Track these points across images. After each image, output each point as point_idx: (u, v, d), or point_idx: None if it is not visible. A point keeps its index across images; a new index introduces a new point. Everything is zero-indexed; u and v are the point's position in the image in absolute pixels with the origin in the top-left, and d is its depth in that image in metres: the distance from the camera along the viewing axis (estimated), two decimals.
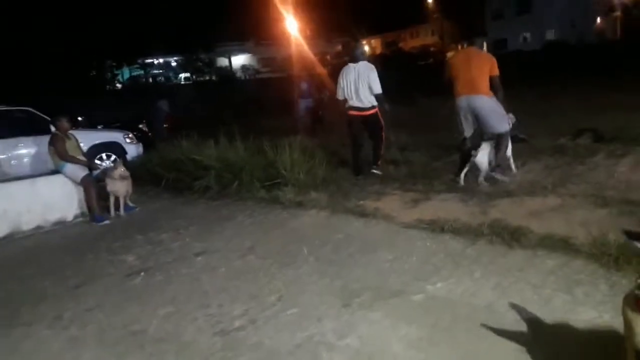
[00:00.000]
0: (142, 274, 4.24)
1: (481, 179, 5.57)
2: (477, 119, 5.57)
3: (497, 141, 5.55)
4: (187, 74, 46.58)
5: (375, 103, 6.43)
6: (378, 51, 57.48)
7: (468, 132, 5.70)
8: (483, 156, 5.53)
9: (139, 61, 45.70)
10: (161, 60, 49.79)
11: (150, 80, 46.65)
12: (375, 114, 6.49)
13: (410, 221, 4.61)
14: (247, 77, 44.89)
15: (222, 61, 50.29)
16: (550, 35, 39.04)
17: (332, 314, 3.11)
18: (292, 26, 21.55)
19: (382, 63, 35.57)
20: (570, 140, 7.32)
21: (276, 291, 3.55)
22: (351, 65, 6.50)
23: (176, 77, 47.55)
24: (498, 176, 5.62)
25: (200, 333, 3.10)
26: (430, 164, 6.80)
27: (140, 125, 13.34)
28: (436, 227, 4.33)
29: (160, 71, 49.64)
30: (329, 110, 12.05)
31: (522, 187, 5.30)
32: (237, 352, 2.84)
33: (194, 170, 7.07)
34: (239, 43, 50.66)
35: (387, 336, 2.79)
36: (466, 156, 5.62)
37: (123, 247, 5.05)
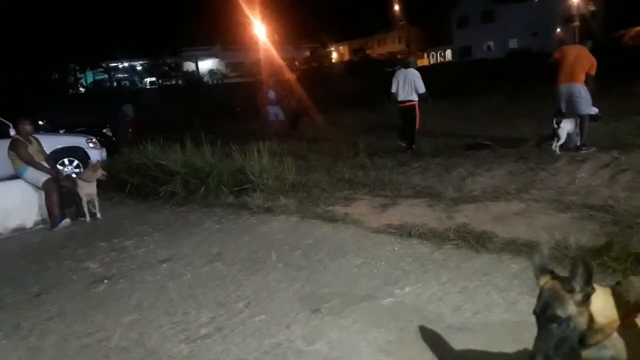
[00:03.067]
0: (106, 281, 4.12)
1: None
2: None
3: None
4: (153, 78, 45.87)
5: (413, 98, 8.38)
6: (346, 57, 58.03)
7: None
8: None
9: (103, 65, 44.75)
10: (126, 64, 48.83)
11: (115, 84, 45.75)
12: (413, 106, 8.40)
13: (379, 226, 4.64)
14: (215, 81, 44.53)
15: (189, 65, 49.74)
16: (513, 44, 40.24)
17: (301, 320, 3.09)
18: (260, 31, 21.51)
19: (351, 70, 35.95)
20: (533, 147, 7.51)
21: (244, 298, 3.50)
22: (403, 70, 8.63)
23: (142, 82, 46.75)
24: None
25: (165, 341, 3.03)
26: (399, 169, 6.86)
27: (104, 130, 13.05)
28: (404, 231, 4.37)
29: (125, 75, 48.71)
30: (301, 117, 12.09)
31: (487, 192, 5.41)
32: None
33: (160, 176, 6.94)
34: (206, 47, 50.23)
35: (356, 341, 2.79)
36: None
37: (86, 254, 4.90)
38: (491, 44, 43.81)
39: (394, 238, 4.31)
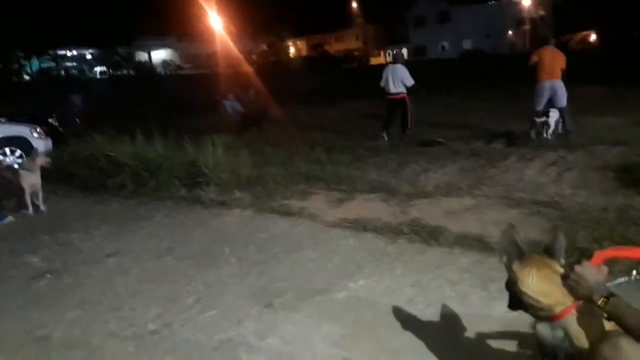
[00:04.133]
0: (48, 276, 3.91)
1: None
2: None
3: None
4: (104, 68, 44.28)
5: (402, 90, 8.98)
6: (304, 53, 57.91)
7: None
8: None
9: (50, 52, 42.81)
10: (75, 53, 46.92)
11: (63, 72, 43.86)
12: (403, 98, 9.04)
13: (335, 220, 4.63)
14: (169, 72, 43.45)
15: (142, 56, 48.28)
16: (467, 44, 41.30)
17: (253, 315, 3.03)
18: (216, 23, 21.11)
19: (309, 65, 35.90)
20: (485, 144, 7.71)
21: (194, 293, 3.40)
22: (391, 65, 9.27)
23: (91, 71, 45.05)
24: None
25: (111, 337, 2.90)
26: (355, 164, 6.88)
27: (50, 120, 12.43)
28: (359, 226, 4.38)
29: (74, 64, 46.80)
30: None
31: (439, 188, 5.50)
32: (151, 356, 2.69)
33: (108, 168, 6.67)
34: (160, 38, 48.90)
35: (309, 335, 2.76)
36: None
37: (27, 248, 4.62)
38: (446, 44, 44.82)
39: (349, 232, 4.31)
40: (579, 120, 8.99)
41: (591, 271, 1.53)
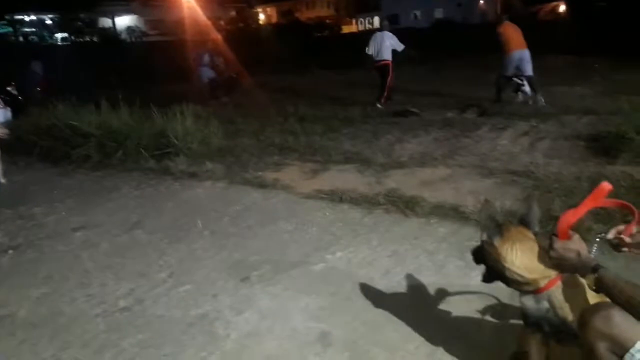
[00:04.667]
0: (10, 251, 3.74)
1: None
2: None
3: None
4: (65, 34, 42.38)
5: (387, 57, 9.17)
6: (274, 20, 56.67)
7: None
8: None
9: (7, 17, 40.67)
10: (34, 18, 44.68)
11: (21, 39, 41.82)
12: (387, 65, 9.18)
13: (310, 192, 4.56)
14: (134, 39, 41.93)
15: (105, 22, 46.36)
16: (438, 13, 41.10)
17: (229, 289, 2.96)
18: None
19: (279, 33, 35.12)
20: (458, 114, 7.71)
21: (167, 267, 3.30)
22: (378, 33, 9.42)
23: (52, 37, 43.05)
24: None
25: (79, 315, 2.79)
26: (329, 135, 6.77)
27: (9, 88, 11.83)
28: (335, 197, 4.32)
29: (33, 30, 44.61)
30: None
31: (414, 158, 5.46)
32: (122, 334, 2.60)
33: (72, 138, 6.39)
34: (124, 3, 46.98)
35: (287, 308, 2.71)
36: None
37: None
38: (418, 13, 44.49)
39: (325, 203, 4.25)
40: (550, 90, 9.08)
41: (569, 247, 1.50)
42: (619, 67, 11.60)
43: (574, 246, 1.49)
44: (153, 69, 16.64)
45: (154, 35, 42.63)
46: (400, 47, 9.35)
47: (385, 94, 9.22)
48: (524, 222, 1.73)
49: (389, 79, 9.27)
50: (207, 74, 11.18)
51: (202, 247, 3.58)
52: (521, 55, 8.28)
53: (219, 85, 11.19)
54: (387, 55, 9.23)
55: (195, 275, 3.17)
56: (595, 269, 1.44)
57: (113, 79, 9.54)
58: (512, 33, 8.40)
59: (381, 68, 9.34)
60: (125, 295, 2.99)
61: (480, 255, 1.78)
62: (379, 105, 8.98)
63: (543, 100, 8.00)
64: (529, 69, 8.26)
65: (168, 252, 3.55)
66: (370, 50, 9.33)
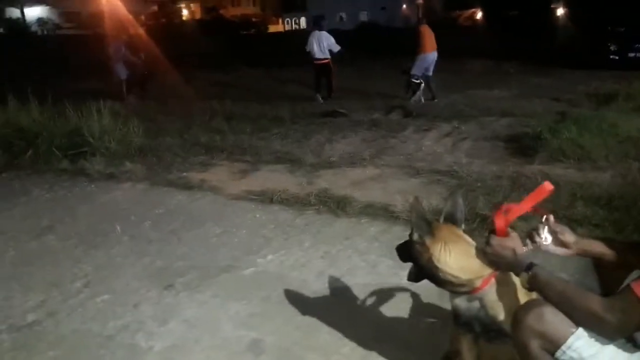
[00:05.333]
0: None
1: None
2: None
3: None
4: None
5: (328, 56, 9.76)
6: (197, 16, 55.22)
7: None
8: None
9: None
10: None
11: None
12: (329, 63, 9.86)
13: (239, 192, 4.41)
14: (46, 32, 39.22)
15: (12, 12, 42.93)
16: (363, 16, 41.98)
17: (151, 298, 2.76)
18: None
19: (203, 29, 34.27)
20: (384, 115, 7.84)
21: (82, 276, 3.04)
22: (316, 32, 9.91)
23: None
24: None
25: None
26: (258, 134, 6.64)
27: None
28: (265, 198, 4.20)
29: None
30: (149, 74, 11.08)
31: (343, 158, 5.46)
32: (31, 351, 2.35)
33: None
34: None
35: (215, 316, 2.57)
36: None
37: None
38: (343, 15, 45.16)
39: (254, 205, 4.12)
40: (470, 93, 9.50)
41: (505, 244, 1.50)
42: (532, 71, 12.41)
43: (511, 244, 1.50)
44: (67, 64, 15.63)
45: (69, 28, 40.09)
46: (336, 48, 9.83)
47: (333, 90, 9.95)
48: (451, 219, 1.71)
49: (333, 77, 9.93)
50: (123, 70, 10.61)
51: (121, 254, 3.34)
52: (434, 56, 9.24)
53: (133, 83, 10.66)
54: (328, 54, 9.78)
55: (114, 283, 2.94)
56: (529, 267, 1.44)
57: (21, 74, 8.79)
58: (428, 35, 9.21)
59: (322, 66, 9.87)
60: (35, 308, 2.71)
61: (408, 253, 1.73)
62: (320, 100, 9.60)
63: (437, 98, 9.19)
64: (432, 70, 9.35)
65: (83, 259, 3.27)
66: (310, 47, 9.80)
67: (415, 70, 9.21)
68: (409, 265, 1.80)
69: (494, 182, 4.25)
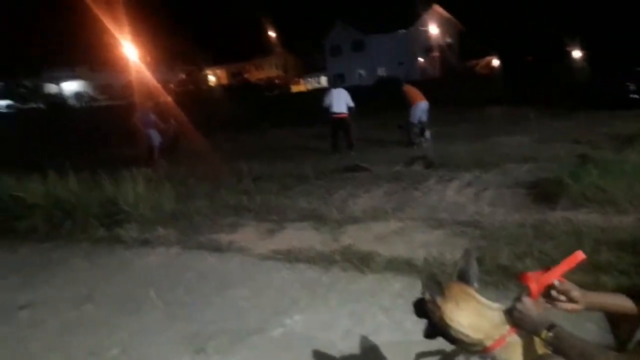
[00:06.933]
0: None
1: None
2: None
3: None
4: (9, 102, 41.34)
5: (345, 110, 10.42)
6: (224, 81, 57.61)
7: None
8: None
9: None
10: None
11: None
12: (346, 117, 10.47)
13: (266, 252, 4.54)
14: (82, 104, 41.42)
15: (51, 88, 45.63)
16: (381, 72, 42.98)
17: None
18: (130, 52, 20.48)
19: (230, 93, 35.66)
20: (405, 167, 7.96)
21: (119, 343, 3.17)
22: (332, 90, 10.82)
23: None
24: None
25: None
26: (284, 193, 6.83)
27: None
28: (292, 257, 4.32)
29: None
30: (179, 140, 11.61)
31: (367, 213, 5.56)
32: None
33: (17, 210, 6.15)
34: (70, 68, 46.56)
35: None
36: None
37: None
38: (362, 71, 46.35)
39: (281, 264, 4.24)
40: (490, 140, 9.59)
41: (533, 305, 1.58)
42: (552, 115, 12.45)
43: (538, 306, 1.57)
44: (102, 133, 16.44)
45: (104, 99, 42.26)
46: (351, 104, 10.51)
47: (353, 143, 10.43)
48: (464, 277, 1.76)
49: (351, 131, 10.48)
50: (156, 136, 11.13)
51: (155, 319, 3.47)
52: (425, 105, 10.44)
53: (164, 148, 11.17)
54: (344, 109, 10.43)
55: (149, 349, 3.06)
56: (551, 326, 1.51)
57: (60, 146, 9.34)
58: (413, 90, 10.68)
59: (340, 120, 10.45)
60: None
61: (423, 310, 1.78)
62: (352, 153, 10.04)
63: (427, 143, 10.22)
64: (427, 117, 10.52)
65: (120, 326, 3.41)
66: (327, 103, 10.52)
67: (412, 119, 10.34)
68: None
69: (517, 230, 4.27)
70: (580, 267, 1.67)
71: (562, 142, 8.64)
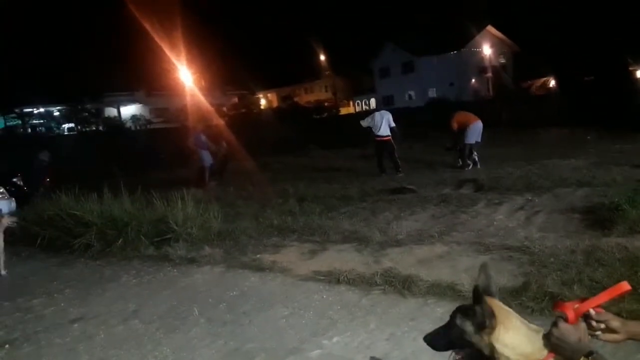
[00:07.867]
0: (7, 346, 3.70)
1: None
2: None
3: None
4: (72, 125, 43.85)
5: (389, 133, 10.48)
6: (275, 104, 58.88)
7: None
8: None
9: (17, 110, 42.32)
10: (42, 110, 46.38)
11: (30, 130, 43.23)
12: (390, 139, 10.48)
13: (307, 273, 4.56)
14: (138, 127, 43.35)
15: (111, 111, 48.07)
16: (432, 93, 42.63)
17: None
18: (185, 77, 21.36)
19: (279, 116, 36.40)
20: (454, 190, 7.82)
21: (162, 358, 3.25)
22: (377, 112, 10.81)
23: (59, 128, 44.50)
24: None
25: None
26: (327, 214, 6.85)
27: (15, 179, 12.14)
28: (332, 278, 4.31)
29: (41, 121, 46.17)
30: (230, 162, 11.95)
31: (411, 235, 5.49)
32: None
33: (74, 227, 6.48)
34: (129, 93, 48.94)
35: None
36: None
37: None
38: (412, 93, 46.14)
39: (322, 285, 4.24)
40: (545, 163, 9.27)
41: (571, 331, 1.52)
42: (611, 138, 11.93)
43: (578, 332, 1.52)
44: (157, 155, 17.11)
45: (159, 122, 44.05)
46: (392, 124, 10.56)
47: (399, 165, 10.40)
48: (488, 293, 1.65)
49: (395, 152, 10.48)
50: (208, 157, 11.48)
51: (198, 336, 3.55)
52: (480, 125, 10.28)
53: (214, 170, 11.49)
54: (387, 131, 10.46)
55: None
56: (589, 354, 1.45)
57: (116, 167, 9.79)
58: (464, 114, 10.68)
59: (383, 142, 10.47)
60: None
61: (448, 340, 1.68)
62: (400, 174, 10.07)
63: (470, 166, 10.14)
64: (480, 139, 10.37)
65: (164, 342, 3.51)
66: (371, 124, 10.56)
67: (468, 140, 10.17)
68: None
69: (568, 257, 4.09)
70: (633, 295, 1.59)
71: (621, 166, 8.23)
